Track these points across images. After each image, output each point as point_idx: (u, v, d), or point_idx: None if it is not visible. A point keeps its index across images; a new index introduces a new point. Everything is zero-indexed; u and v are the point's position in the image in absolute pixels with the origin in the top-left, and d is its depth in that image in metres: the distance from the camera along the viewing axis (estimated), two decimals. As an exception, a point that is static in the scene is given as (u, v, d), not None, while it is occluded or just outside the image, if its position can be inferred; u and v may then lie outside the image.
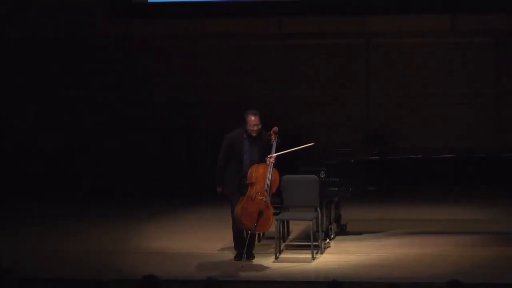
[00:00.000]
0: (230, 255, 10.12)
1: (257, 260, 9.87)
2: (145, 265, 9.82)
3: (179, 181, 14.53)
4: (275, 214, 9.93)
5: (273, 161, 9.65)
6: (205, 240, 11.04)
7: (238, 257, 9.81)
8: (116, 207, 13.60)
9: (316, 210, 9.98)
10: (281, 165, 10.12)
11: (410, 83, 14.16)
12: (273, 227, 10.10)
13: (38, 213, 13.11)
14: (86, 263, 10.13)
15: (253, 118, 9.61)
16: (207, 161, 13.36)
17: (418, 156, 11.18)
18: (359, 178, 10.83)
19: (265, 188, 9.59)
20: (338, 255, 10.17)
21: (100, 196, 14.45)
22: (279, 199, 10.05)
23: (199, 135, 14.06)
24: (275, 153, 9.73)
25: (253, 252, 9.88)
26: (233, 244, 10.07)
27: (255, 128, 9.62)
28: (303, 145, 10.30)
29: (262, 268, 9.61)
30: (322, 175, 10.31)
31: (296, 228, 10.85)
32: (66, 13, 14.73)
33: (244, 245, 9.72)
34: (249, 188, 9.63)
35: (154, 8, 14.76)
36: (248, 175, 9.63)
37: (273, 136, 9.81)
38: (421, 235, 11.21)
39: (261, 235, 10.40)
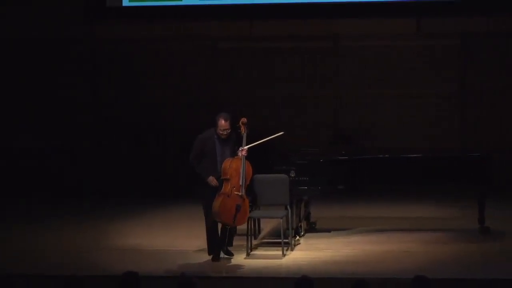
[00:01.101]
0: (204, 252, 10.12)
1: (228, 257, 10.05)
2: (122, 261, 9.81)
3: (154, 180, 14.49)
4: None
5: (245, 154, 9.64)
6: (181, 238, 11.11)
7: (215, 259, 9.84)
8: (91, 207, 13.52)
9: (286, 208, 10.05)
10: (256, 164, 10.12)
11: (378, 85, 14.20)
12: (244, 225, 10.20)
13: (16, 213, 13.01)
14: (62, 260, 10.07)
15: (223, 122, 9.61)
16: (178, 161, 13.18)
17: (386, 156, 11.28)
18: (328, 177, 10.88)
19: (240, 183, 9.57)
20: (308, 252, 10.33)
21: (75, 196, 14.27)
22: (250, 197, 10.06)
23: (172, 135, 13.96)
24: (246, 145, 9.79)
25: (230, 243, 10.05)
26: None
27: (225, 132, 9.66)
28: (271, 135, 10.30)
29: (233, 264, 9.72)
30: (292, 174, 10.37)
31: (267, 225, 10.91)
32: (44, 14, 14.48)
33: (218, 245, 9.79)
34: (224, 184, 9.63)
35: (128, 12, 14.68)
36: (222, 170, 9.61)
37: (242, 128, 9.82)
38: (388, 232, 11.30)
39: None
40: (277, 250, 10.18)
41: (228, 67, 14.48)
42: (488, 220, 11.14)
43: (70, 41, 14.74)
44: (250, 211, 10.04)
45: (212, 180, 9.61)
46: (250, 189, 10.07)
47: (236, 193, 9.55)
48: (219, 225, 10.10)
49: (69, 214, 13.02)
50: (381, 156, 11.38)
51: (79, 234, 11.54)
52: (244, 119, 9.81)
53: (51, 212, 13.21)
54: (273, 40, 14.28)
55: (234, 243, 10.24)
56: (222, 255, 9.98)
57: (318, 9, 14.20)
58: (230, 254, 9.90)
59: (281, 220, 10.13)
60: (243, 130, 9.80)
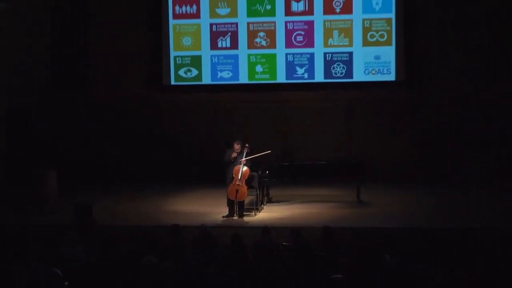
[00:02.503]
0: (217, 214, 12.80)
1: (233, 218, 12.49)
2: (170, 218, 12.07)
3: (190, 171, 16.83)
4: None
5: (244, 162, 12.48)
6: (203, 206, 13.88)
7: (228, 215, 12.64)
8: (149, 188, 15.69)
9: (256, 190, 13.15)
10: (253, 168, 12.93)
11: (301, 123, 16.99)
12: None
13: (100, 193, 14.88)
14: (141, 218, 12.69)
15: (236, 145, 12.76)
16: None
17: (308, 162, 14.43)
18: (279, 174, 13.97)
19: (239, 178, 12.48)
20: (268, 213, 13.28)
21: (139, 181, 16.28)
22: (248, 186, 12.64)
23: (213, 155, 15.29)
24: (245, 157, 12.63)
25: (242, 213, 12.61)
26: (225, 207, 12.86)
27: (238, 150, 12.65)
28: (262, 152, 13.20)
29: (229, 220, 12.59)
30: (260, 172, 13.35)
31: (248, 200, 13.09)
32: (131, 85, 17.25)
33: (233, 210, 12.60)
34: (233, 178, 12.54)
35: (173, 88, 17.58)
36: (233, 171, 12.54)
37: (245, 148, 12.65)
38: (310, 203, 14.14)
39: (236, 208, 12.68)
40: (252, 212, 13.06)
41: (230, 119, 17.30)
42: (362, 196, 13.98)
43: (141, 101, 17.48)
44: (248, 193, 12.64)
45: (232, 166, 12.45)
46: (249, 181, 12.81)
47: (237, 183, 12.52)
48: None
49: (138, 192, 15.42)
50: (305, 162, 14.42)
51: (143, 204, 14.27)
52: (247, 144, 12.79)
53: (123, 191, 15.65)
54: (252, 102, 17.17)
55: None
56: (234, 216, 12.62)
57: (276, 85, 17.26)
58: (234, 216, 12.64)
59: (254, 196, 13.12)
60: (246, 150, 12.73)
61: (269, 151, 13.17)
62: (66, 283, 6.79)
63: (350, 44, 16.87)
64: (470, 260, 7.74)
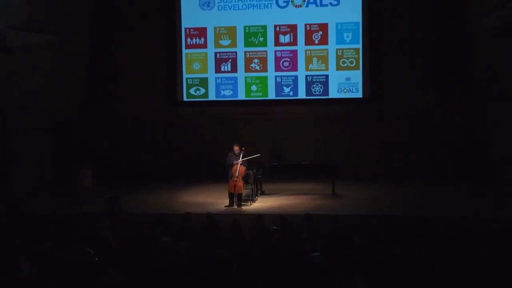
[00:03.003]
0: (220, 204, 12.68)
1: (234, 207, 12.26)
2: (183, 207, 11.96)
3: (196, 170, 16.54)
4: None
5: (240, 163, 12.52)
6: (210, 197, 13.72)
7: (229, 205, 12.51)
8: (164, 182, 15.48)
9: (252, 185, 13.15)
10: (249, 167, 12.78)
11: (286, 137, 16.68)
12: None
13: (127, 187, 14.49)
14: (160, 207, 12.26)
15: (235, 147, 12.76)
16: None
17: (294, 163, 14.49)
18: (270, 172, 13.98)
19: (236, 174, 12.59)
20: (261, 203, 13.10)
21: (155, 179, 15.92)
22: (244, 181, 12.71)
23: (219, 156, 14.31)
24: (241, 159, 12.69)
25: (240, 203, 12.53)
26: (227, 199, 12.78)
27: (237, 151, 12.69)
28: (253, 155, 13.07)
29: (230, 209, 12.42)
30: (254, 170, 13.36)
31: (245, 192, 12.98)
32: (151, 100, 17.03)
33: (233, 201, 12.51)
34: (233, 175, 12.58)
35: (186, 103, 17.48)
36: (232, 170, 12.62)
37: (243, 151, 12.75)
38: (295, 195, 13.98)
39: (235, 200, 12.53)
40: (249, 203, 12.94)
41: (231, 128, 17.00)
42: (336, 190, 13.86)
43: (160, 114, 17.41)
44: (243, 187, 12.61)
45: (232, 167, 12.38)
46: (245, 177, 12.85)
47: (235, 179, 12.61)
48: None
49: (156, 187, 15.25)
50: (291, 163, 14.55)
51: (161, 196, 14.03)
52: (244, 148, 12.87)
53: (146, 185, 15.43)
54: (248, 115, 17.11)
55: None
56: (233, 205, 12.47)
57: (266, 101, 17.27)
58: (234, 206, 12.52)
59: (250, 190, 13.12)
60: (243, 152, 12.80)
61: (259, 154, 13.11)
62: (97, 259, 6.84)
63: (326, 69, 16.91)
64: (422, 242, 7.70)
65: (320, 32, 16.75)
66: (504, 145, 14.46)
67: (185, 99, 17.47)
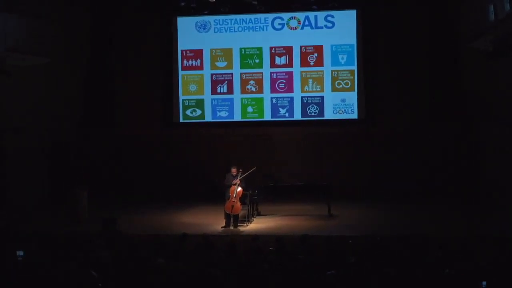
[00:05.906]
0: (217, 225, 12.54)
1: (230, 228, 12.12)
2: (181, 227, 11.72)
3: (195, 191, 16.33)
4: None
5: (238, 183, 12.44)
6: (206, 219, 13.57)
7: (225, 226, 12.39)
8: (162, 202, 15.29)
9: (248, 206, 13.03)
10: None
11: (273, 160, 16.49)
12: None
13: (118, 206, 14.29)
14: (158, 227, 12.34)
15: (233, 169, 12.70)
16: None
17: (289, 184, 14.24)
18: (266, 193, 13.81)
19: (234, 195, 12.48)
20: (257, 224, 13.04)
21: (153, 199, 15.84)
22: (241, 202, 12.59)
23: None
24: (238, 179, 12.61)
25: (236, 224, 12.43)
26: (223, 220, 12.67)
27: (234, 173, 12.60)
28: (250, 170, 12.82)
29: (226, 230, 12.36)
30: (250, 191, 13.20)
31: (241, 213, 12.83)
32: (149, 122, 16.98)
33: (230, 222, 12.40)
34: (230, 196, 12.48)
35: (182, 124, 17.35)
36: (229, 190, 12.51)
37: (239, 172, 12.67)
38: (290, 216, 13.91)
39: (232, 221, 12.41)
40: (245, 223, 12.85)
41: (227, 149, 16.99)
42: (332, 210, 13.78)
43: (157, 135, 17.35)
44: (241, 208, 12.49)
45: (229, 188, 12.27)
46: (242, 198, 12.71)
47: (233, 200, 12.51)
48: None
49: (153, 208, 14.99)
50: (286, 184, 14.28)
51: (157, 216, 13.91)
52: (240, 169, 12.75)
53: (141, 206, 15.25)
54: (245, 137, 17.01)
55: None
56: (230, 226, 12.37)
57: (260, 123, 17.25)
58: (230, 227, 12.44)
59: (246, 211, 12.98)
60: (240, 174, 12.76)
61: (255, 167, 12.87)
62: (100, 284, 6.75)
63: (322, 90, 16.89)
64: (409, 261, 7.61)
65: (315, 54, 16.83)
66: (495, 165, 14.43)
67: (181, 120, 17.46)
